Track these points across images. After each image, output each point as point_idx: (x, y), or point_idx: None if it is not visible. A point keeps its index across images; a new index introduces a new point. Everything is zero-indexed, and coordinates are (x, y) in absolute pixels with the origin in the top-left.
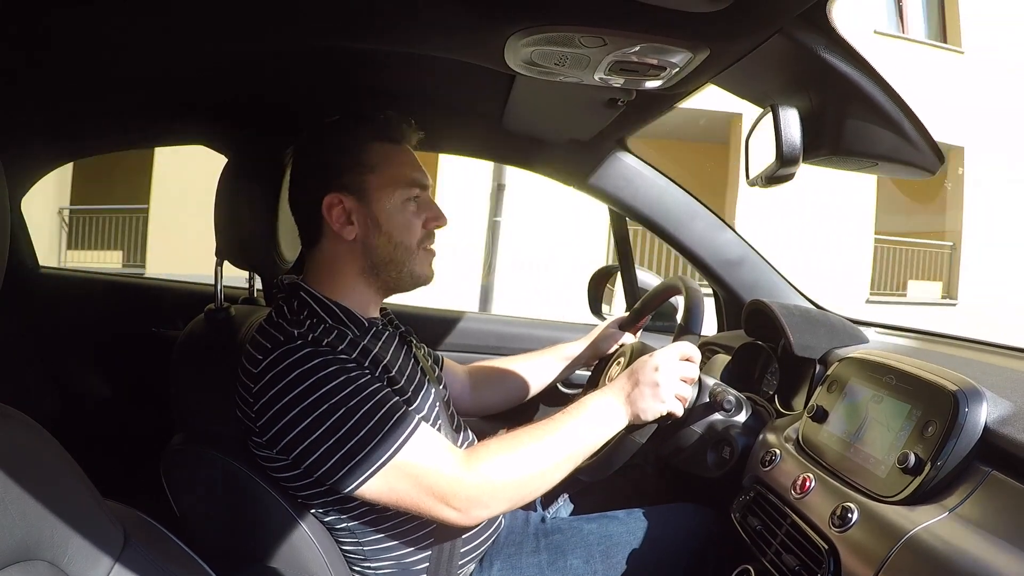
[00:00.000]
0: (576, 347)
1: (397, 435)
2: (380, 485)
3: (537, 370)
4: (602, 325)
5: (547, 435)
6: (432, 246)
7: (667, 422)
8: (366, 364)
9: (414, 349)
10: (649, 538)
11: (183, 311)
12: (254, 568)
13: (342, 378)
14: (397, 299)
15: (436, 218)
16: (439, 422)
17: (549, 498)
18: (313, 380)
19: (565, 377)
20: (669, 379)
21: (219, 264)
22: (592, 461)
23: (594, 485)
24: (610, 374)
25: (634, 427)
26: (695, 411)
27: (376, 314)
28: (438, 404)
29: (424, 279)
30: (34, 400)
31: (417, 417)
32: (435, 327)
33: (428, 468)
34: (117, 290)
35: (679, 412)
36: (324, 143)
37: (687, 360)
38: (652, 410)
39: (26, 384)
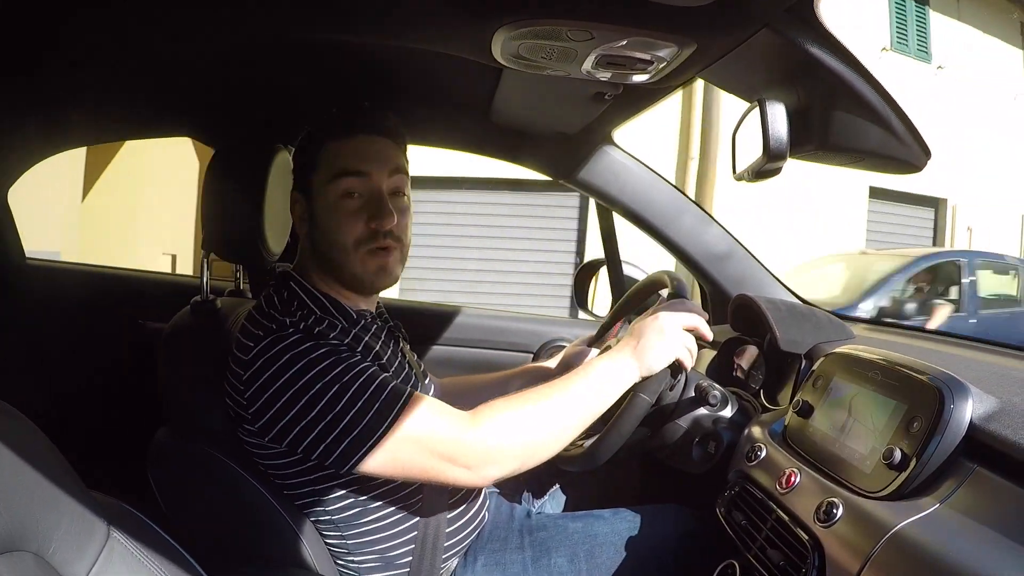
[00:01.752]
0: (548, 365)
1: (392, 405)
2: (383, 457)
3: (510, 390)
4: (571, 344)
5: (555, 392)
6: (381, 246)
7: (679, 374)
8: (358, 349)
9: (401, 344)
10: (634, 538)
11: (169, 303)
12: (238, 561)
13: (333, 358)
14: (392, 292)
15: (374, 216)
16: None
17: (540, 490)
18: (304, 362)
19: None
20: (674, 327)
21: (205, 256)
22: (606, 430)
23: (579, 481)
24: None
25: (645, 383)
26: (680, 406)
27: (365, 307)
28: None
29: (367, 281)
30: (19, 391)
31: (410, 387)
32: (426, 321)
33: (429, 431)
34: (103, 282)
35: (688, 361)
36: (299, 143)
37: (688, 312)
38: (662, 358)
39: (11, 375)
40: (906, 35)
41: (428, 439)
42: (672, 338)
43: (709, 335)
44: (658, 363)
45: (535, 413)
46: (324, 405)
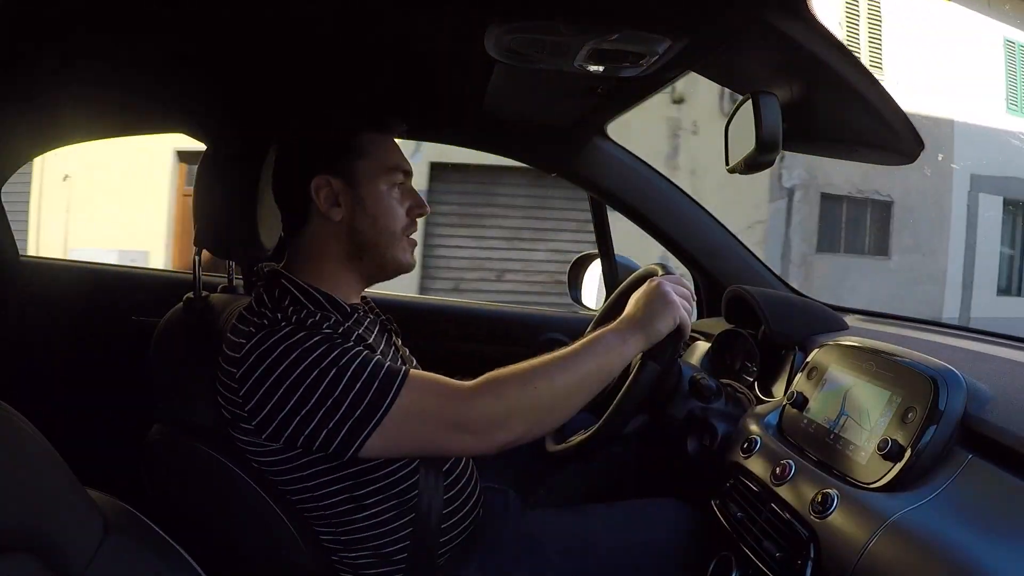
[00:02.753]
0: None
1: (392, 381)
2: (388, 435)
3: None
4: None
5: (562, 362)
6: (414, 235)
7: (683, 341)
8: (351, 339)
9: (394, 338)
10: (629, 532)
11: (163, 299)
12: (234, 558)
13: (327, 345)
14: (381, 287)
15: (419, 206)
16: None
17: (534, 485)
18: (299, 351)
19: None
20: (671, 291)
21: (198, 252)
22: (618, 399)
23: (573, 475)
24: None
25: (653, 350)
26: (675, 398)
27: (357, 301)
28: None
29: (406, 266)
30: (13, 388)
31: (406, 367)
32: (415, 315)
33: (431, 401)
34: (97, 278)
35: (688, 325)
36: (315, 128)
37: (678, 283)
38: (665, 321)
39: (5, 372)
40: None
41: (432, 409)
42: (672, 301)
43: (695, 313)
44: (663, 325)
45: (541, 378)
46: (322, 391)
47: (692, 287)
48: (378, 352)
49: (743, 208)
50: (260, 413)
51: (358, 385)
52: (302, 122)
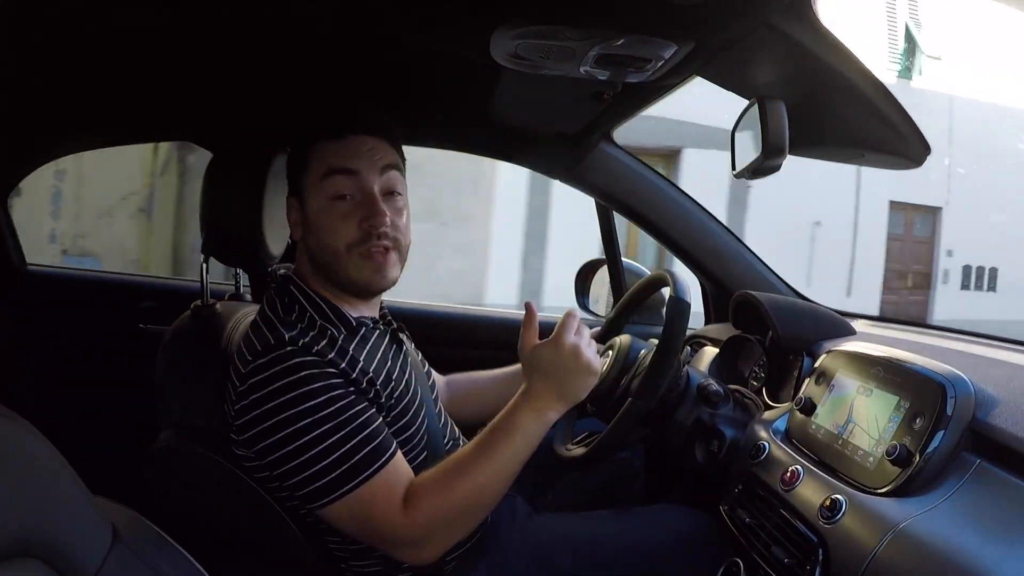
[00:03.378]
0: None
1: (364, 467)
2: (338, 512)
3: (511, 385)
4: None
5: (481, 459)
6: (375, 249)
7: (675, 387)
8: (353, 375)
9: (405, 346)
10: (637, 537)
11: (170, 307)
12: (243, 565)
13: (325, 396)
14: (395, 294)
15: (367, 217)
16: (427, 421)
17: (542, 490)
18: (296, 393)
19: None
20: (584, 348)
21: (205, 260)
22: (603, 436)
23: (581, 480)
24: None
25: (641, 387)
26: (683, 405)
27: (367, 312)
28: (425, 404)
29: (362, 285)
30: (22, 396)
31: (391, 447)
32: (427, 322)
33: (378, 511)
34: (104, 287)
35: (599, 370)
36: (290, 145)
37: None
38: (587, 385)
39: (13, 381)
40: None
41: (375, 520)
42: (592, 363)
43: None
44: (584, 392)
45: (462, 483)
46: (304, 443)
47: (587, 333)
48: (380, 373)
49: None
50: (245, 434)
51: (338, 452)
52: (287, 140)
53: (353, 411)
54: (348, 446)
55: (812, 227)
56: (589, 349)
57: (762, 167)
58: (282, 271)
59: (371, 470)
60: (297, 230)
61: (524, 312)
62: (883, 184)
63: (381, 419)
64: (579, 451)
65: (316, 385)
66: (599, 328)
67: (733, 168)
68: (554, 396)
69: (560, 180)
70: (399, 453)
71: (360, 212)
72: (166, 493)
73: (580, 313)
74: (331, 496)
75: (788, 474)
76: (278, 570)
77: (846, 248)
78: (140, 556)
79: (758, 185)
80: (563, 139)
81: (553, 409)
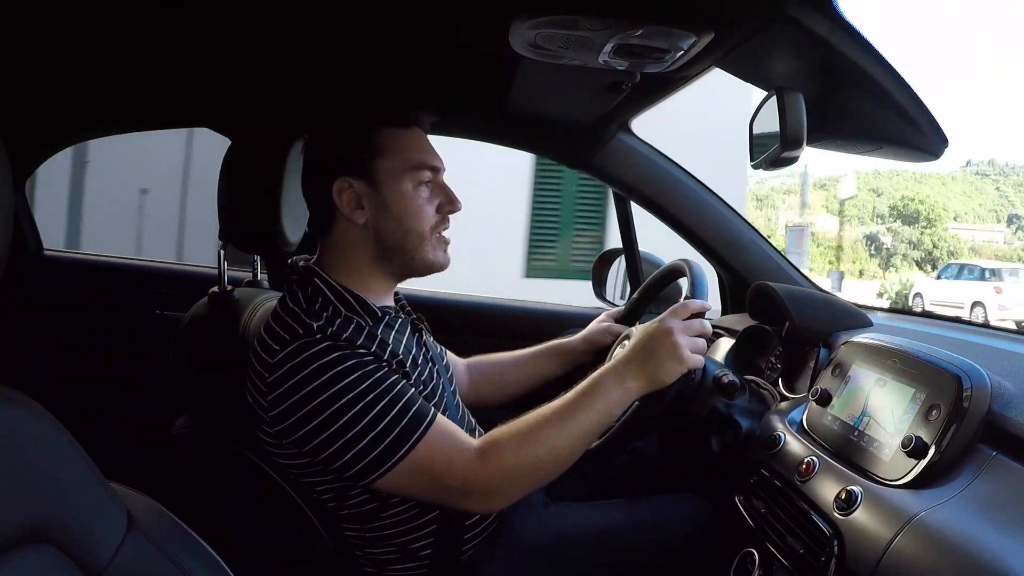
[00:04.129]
0: (572, 343)
1: (413, 431)
2: (397, 480)
3: (533, 366)
4: (596, 320)
5: (561, 419)
6: (446, 232)
7: (692, 379)
8: (385, 356)
9: (424, 336)
10: (653, 528)
11: (187, 294)
12: (258, 551)
13: (359, 372)
14: (411, 284)
15: (450, 202)
16: (446, 412)
17: (557, 480)
18: (331, 375)
19: (563, 372)
20: (682, 336)
21: (222, 247)
22: (612, 432)
23: (597, 471)
24: (615, 355)
25: (650, 396)
26: (699, 395)
27: (390, 302)
28: (447, 393)
29: (437, 266)
30: (38, 382)
31: (433, 410)
32: (445, 311)
33: (443, 464)
34: (121, 273)
35: (700, 364)
36: (334, 128)
37: (694, 314)
38: (672, 372)
39: (30, 367)
40: None
41: (441, 472)
42: (683, 352)
43: (710, 331)
44: (670, 378)
45: (542, 443)
46: (346, 422)
47: (708, 327)
48: (407, 359)
49: None
50: (282, 424)
51: (382, 425)
52: (321, 121)
53: (388, 382)
54: (392, 414)
55: (140, 195)
56: (687, 340)
57: (780, 158)
58: (302, 262)
59: (420, 430)
60: (360, 213)
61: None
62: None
63: (415, 390)
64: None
65: (349, 363)
66: (618, 311)
67: (751, 159)
68: (639, 369)
69: (578, 170)
70: (441, 415)
71: (441, 197)
72: (182, 479)
73: (707, 312)
74: (387, 465)
75: (804, 465)
76: (293, 557)
77: (175, 212)
78: (155, 542)
79: (94, 158)
80: (581, 129)
81: (635, 381)
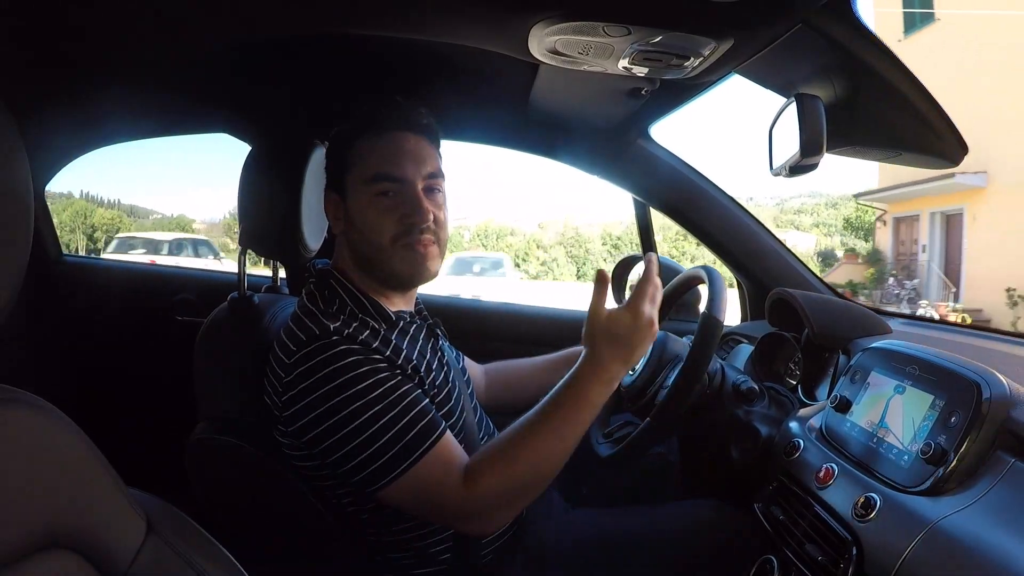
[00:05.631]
0: None
1: (416, 446)
2: (398, 494)
3: (551, 373)
4: None
5: (547, 436)
6: (418, 242)
7: (710, 385)
8: (399, 362)
9: (440, 341)
10: (671, 533)
11: (206, 300)
12: (277, 556)
13: (372, 379)
14: (431, 288)
15: (409, 214)
16: (463, 415)
17: (577, 485)
18: (344, 379)
19: None
20: (654, 319)
21: (243, 252)
22: (620, 447)
23: (616, 476)
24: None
25: (667, 404)
26: (718, 402)
27: (405, 307)
28: (463, 398)
29: (405, 277)
30: (57, 388)
31: (441, 425)
32: (464, 316)
33: (436, 485)
34: (140, 278)
35: (654, 319)
36: (330, 141)
37: (647, 283)
38: (644, 346)
39: (49, 372)
40: None
41: (433, 495)
42: (655, 329)
43: (658, 285)
44: (642, 351)
45: (524, 456)
46: (356, 427)
47: (653, 286)
48: (421, 364)
49: None
50: (294, 424)
51: (389, 434)
52: (325, 133)
53: (400, 392)
54: (399, 426)
55: None
56: (645, 308)
57: (799, 165)
58: (320, 264)
59: (424, 447)
60: (339, 224)
61: (595, 279)
62: None
63: (428, 400)
64: (607, 451)
65: (362, 370)
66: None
67: (770, 166)
68: (621, 364)
69: (598, 176)
70: (448, 431)
71: (403, 208)
72: (202, 484)
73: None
74: (388, 477)
75: (822, 472)
76: (311, 562)
77: None
78: (174, 547)
79: None
80: (601, 135)
81: (619, 378)
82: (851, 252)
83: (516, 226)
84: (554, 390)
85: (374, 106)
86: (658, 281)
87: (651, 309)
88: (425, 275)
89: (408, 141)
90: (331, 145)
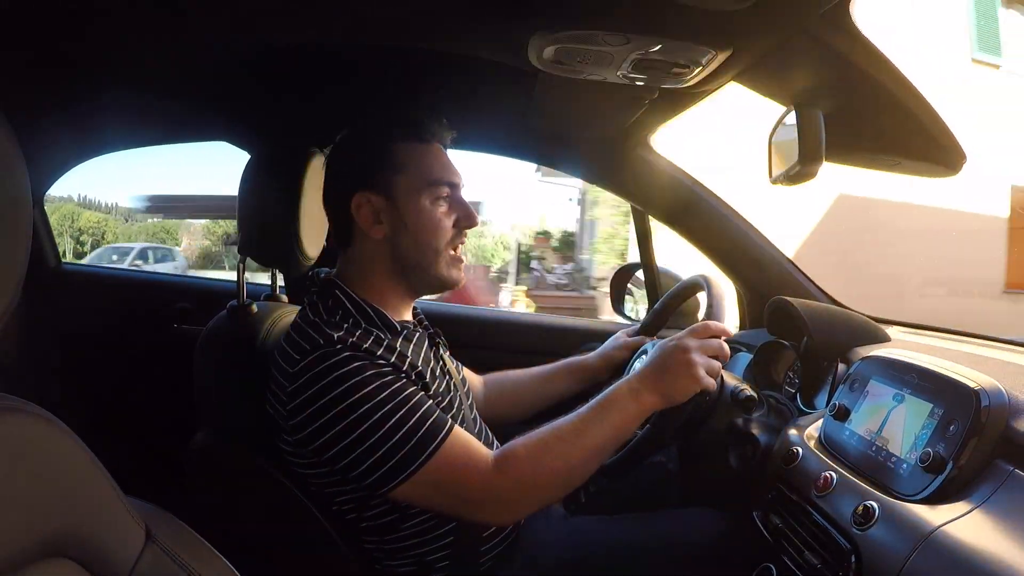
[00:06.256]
0: (588, 359)
1: (430, 440)
2: (414, 490)
3: (550, 384)
4: (613, 338)
5: (577, 433)
6: (460, 248)
7: (705, 399)
8: (404, 368)
9: (441, 351)
10: (670, 541)
11: (206, 308)
12: (276, 565)
13: (378, 383)
14: (428, 297)
15: (466, 217)
16: (464, 425)
17: (575, 492)
18: (350, 384)
19: (579, 390)
20: (699, 357)
21: (241, 260)
22: (626, 450)
23: (615, 484)
24: (633, 369)
25: (667, 412)
26: (717, 410)
27: (408, 316)
28: (464, 408)
29: (450, 282)
30: (56, 396)
31: (451, 421)
32: (463, 327)
33: (459, 476)
34: (139, 286)
35: (714, 386)
36: (355, 143)
37: (712, 336)
38: (686, 390)
39: (48, 381)
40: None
41: (457, 484)
42: (698, 371)
43: (727, 353)
44: (683, 396)
45: (556, 455)
46: (365, 430)
47: (727, 349)
48: (425, 372)
49: None
50: (301, 432)
51: (401, 432)
52: (339, 136)
53: (406, 393)
54: (409, 424)
55: None
56: (703, 360)
57: (799, 174)
58: (323, 274)
59: (438, 441)
60: (380, 229)
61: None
62: None
63: (433, 402)
64: (606, 459)
65: (368, 374)
66: (634, 328)
67: (769, 175)
68: (652, 384)
69: (598, 184)
70: (458, 425)
71: (458, 211)
72: (201, 493)
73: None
74: (403, 474)
75: (821, 480)
76: (311, 571)
77: None
78: (173, 556)
79: None
80: (600, 143)
81: (650, 396)
82: (543, 235)
83: None
84: (609, 390)
85: (419, 113)
86: (716, 327)
87: (691, 341)
88: (461, 280)
89: (444, 153)
90: (357, 143)
